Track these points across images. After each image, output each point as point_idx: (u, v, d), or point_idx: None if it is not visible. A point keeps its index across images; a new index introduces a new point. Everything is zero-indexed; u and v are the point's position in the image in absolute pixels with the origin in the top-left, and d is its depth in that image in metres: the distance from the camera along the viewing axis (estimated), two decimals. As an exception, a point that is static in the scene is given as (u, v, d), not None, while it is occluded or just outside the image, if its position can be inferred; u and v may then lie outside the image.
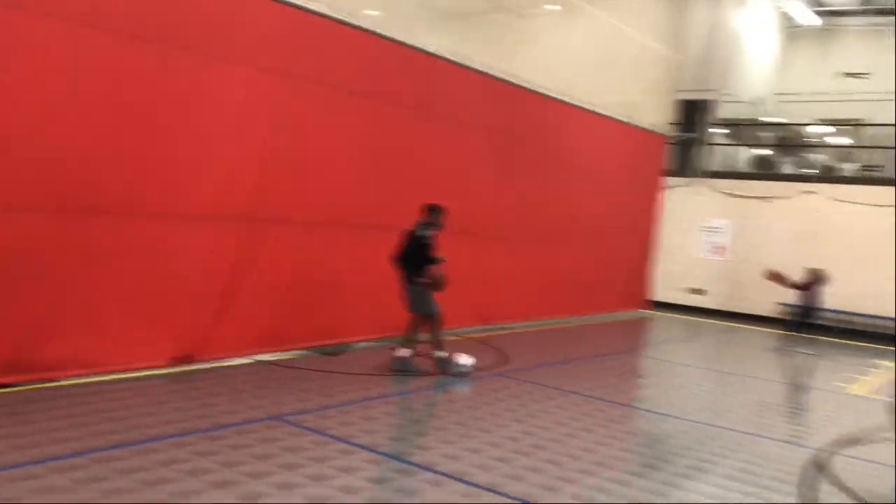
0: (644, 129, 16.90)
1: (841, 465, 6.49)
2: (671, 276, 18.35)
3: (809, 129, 21.24)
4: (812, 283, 13.04)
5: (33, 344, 6.51)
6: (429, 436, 6.42)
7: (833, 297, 16.56)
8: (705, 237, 18.43)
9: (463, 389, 8.11)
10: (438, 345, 8.43)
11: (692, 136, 19.31)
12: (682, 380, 10.42)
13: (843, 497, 5.64)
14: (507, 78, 12.13)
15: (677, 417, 7.75)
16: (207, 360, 7.85)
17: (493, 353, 10.13)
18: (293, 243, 8.78)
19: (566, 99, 13.71)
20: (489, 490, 5.05)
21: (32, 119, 6.37)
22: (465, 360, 8.44)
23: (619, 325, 15.08)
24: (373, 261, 8.92)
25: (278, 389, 7.24)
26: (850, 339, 15.74)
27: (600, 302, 15.47)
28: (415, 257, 8.16)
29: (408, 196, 9.30)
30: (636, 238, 17.10)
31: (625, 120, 15.94)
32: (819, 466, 6.35)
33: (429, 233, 8.22)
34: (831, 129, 21.03)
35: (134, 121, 7.07)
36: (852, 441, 7.32)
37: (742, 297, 17.62)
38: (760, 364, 12.22)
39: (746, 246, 17.62)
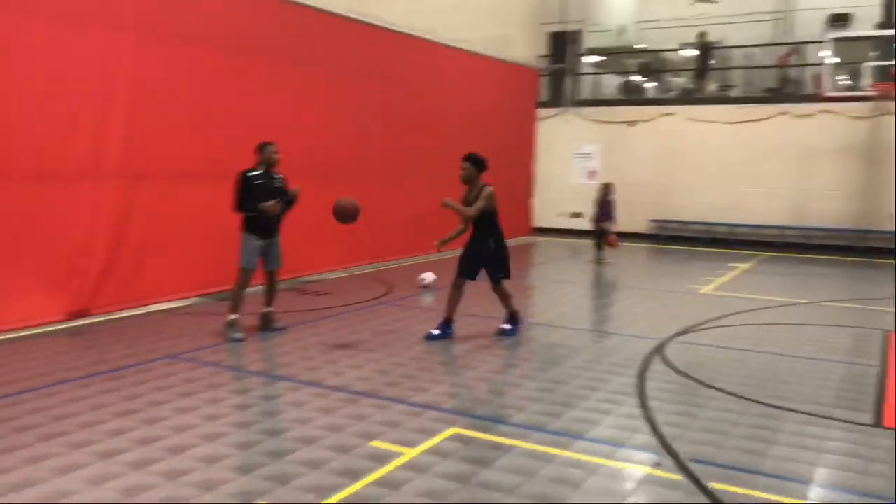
0: (515, 64, 17.71)
1: (674, 349, 7.59)
2: (551, 203, 19.50)
3: (670, 54, 22.56)
4: (602, 195, 14.19)
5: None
6: (314, 359, 7.08)
7: (693, 210, 18.23)
8: (578, 163, 19.56)
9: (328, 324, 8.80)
10: (232, 305, 7.51)
11: (562, 67, 20.24)
12: (557, 295, 11.46)
13: (669, 373, 6.71)
14: (370, 21, 12.54)
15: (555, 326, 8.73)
16: (102, 314, 8.22)
17: (376, 285, 10.85)
18: (172, 195, 9.09)
19: (433, 38, 14.22)
20: (339, 390, 5.82)
21: None
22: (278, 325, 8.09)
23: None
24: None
25: (174, 333, 7.73)
26: (711, 248, 17.32)
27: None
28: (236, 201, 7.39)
29: (298, 143, 9.89)
30: (516, 170, 18.04)
31: (496, 56, 16.65)
32: (657, 352, 7.43)
33: (247, 172, 7.45)
34: (691, 52, 22.41)
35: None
36: (688, 330, 8.49)
37: (620, 216, 18.94)
38: (631, 274, 13.46)
39: (615, 168, 18.86)
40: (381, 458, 4.61)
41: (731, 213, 17.75)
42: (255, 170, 7.52)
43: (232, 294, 7.53)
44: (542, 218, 19.47)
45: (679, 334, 8.28)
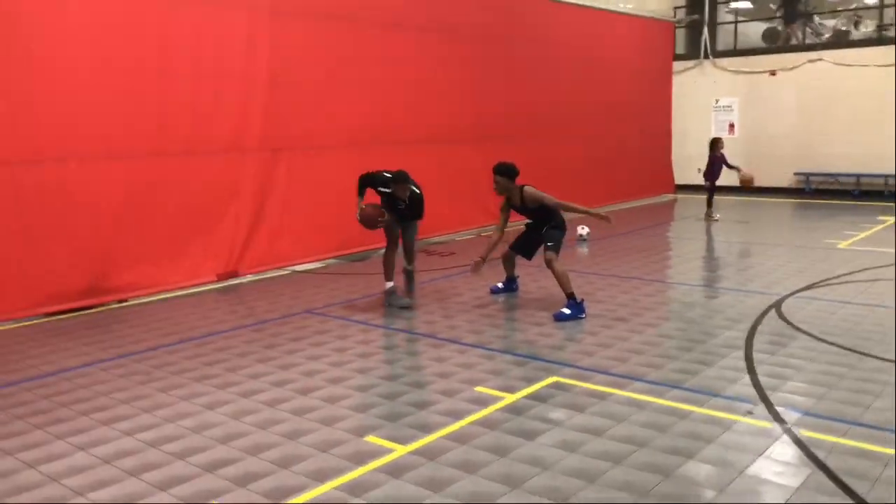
0: (648, 17, 17.32)
1: (795, 304, 7.47)
2: (689, 160, 18.95)
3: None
4: (712, 151, 13.72)
5: (106, 271, 7.84)
6: (433, 314, 7.58)
7: (843, 161, 17.19)
8: (717, 117, 18.89)
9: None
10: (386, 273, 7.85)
11: (698, 17, 19.48)
12: (685, 252, 11.38)
13: (783, 326, 6.67)
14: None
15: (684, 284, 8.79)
16: (250, 274, 9.14)
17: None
18: (306, 166, 9.86)
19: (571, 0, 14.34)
20: (477, 346, 6.25)
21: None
22: None
23: (644, 210, 15.97)
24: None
25: (310, 290, 8.50)
26: (862, 201, 16.32)
27: (629, 190, 16.48)
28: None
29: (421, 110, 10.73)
30: (654, 126, 17.79)
31: (626, 11, 16.39)
32: (775, 307, 7.35)
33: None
34: None
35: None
36: (815, 285, 8.28)
37: (758, 171, 18.20)
38: (770, 227, 13.04)
39: (756, 120, 18.07)
40: (484, 401, 5.03)
41: (885, 163, 16.58)
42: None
43: (383, 262, 7.80)
44: (680, 175, 19.00)
45: (805, 289, 8.10)
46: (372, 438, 4.47)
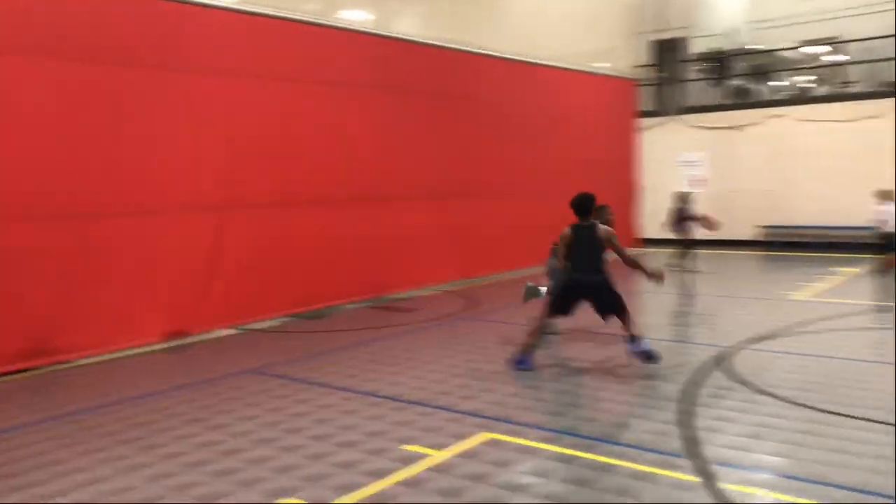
0: (611, 76, 17.69)
1: (737, 356, 7.45)
2: (658, 213, 19.13)
3: (786, 53, 21.65)
4: (679, 205, 14.01)
5: (48, 333, 7.74)
6: (377, 371, 7.50)
7: (806, 214, 17.41)
8: (685, 171, 19.14)
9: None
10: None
11: (664, 75, 19.93)
12: (654, 304, 11.41)
13: (724, 378, 6.63)
14: (470, 49, 13.18)
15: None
16: (199, 333, 9.05)
17: (459, 300, 11.21)
18: (259, 223, 9.88)
19: (525, 59, 14.59)
20: (417, 404, 6.17)
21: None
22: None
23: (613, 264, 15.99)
24: (338, 230, 10.13)
25: (258, 349, 8.41)
26: (827, 252, 16.46)
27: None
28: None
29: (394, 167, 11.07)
30: (618, 181, 17.96)
31: (589, 70, 16.74)
32: (718, 360, 7.33)
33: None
34: (819, 49, 21.37)
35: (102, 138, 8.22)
36: (764, 337, 8.27)
37: (727, 224, 18.38)
38: (729, 279, 13.09)
39: (722, 175, 18.33)
40: (411, 459, 4.94)
41: (849, 215, 16.78)
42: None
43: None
44: (649, 229, 19.13)
45: (753, 340, 8.10)
46: (286, 501, 4.36)
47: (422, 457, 4.98)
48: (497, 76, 13.96)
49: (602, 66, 17.43)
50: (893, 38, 18.07)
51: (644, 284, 14.33)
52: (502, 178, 13.90)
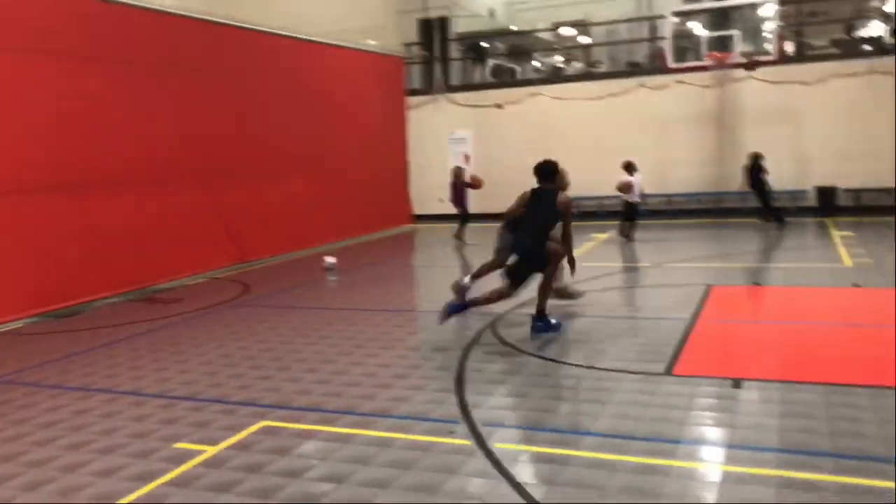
0: (377, 53, 17.77)
1: (509, 322, 7.86)
2: (431, 189, 19.67)
3: (541, 34, 23.08)
4: (454, 179, 15.11)
5: None
6: (142, 368, 7.00)
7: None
8: (453, 149, 19.82)
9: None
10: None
11: (430, 54, 20.42)
12: (430, 278, 11.68)
13: (496, 345, 6.96)
14: (234, 23, 12.56)
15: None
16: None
17: (233, 287, 10.79)
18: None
19: (290, 34, 14.22)
20: (186, 399, 5.83)
21: None
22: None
23: (382, 241, 16.19)
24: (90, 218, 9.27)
25: (2, 356, 7.52)
26: (583, 222, 17.83)
27: (365, 223, 16.47)
28: None
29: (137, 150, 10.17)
30: (389, 159, 18.16)
31: (355, 46, 16.69)
32: (490, 326, 7.67)
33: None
34: (569, 31, 22.96)
35: None
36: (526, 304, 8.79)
37: (492, 199, 19.27)
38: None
39: (489, 151, 19.21)
40: (181, 458, 4.64)
41: (601, 186, 18.30)
42: None
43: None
44: (422, 205, 19.62)
45: (520, 306, 8.56)
46: (34, 520, 3.92)
47: (193, 454, 4.70)
48: (263, 52, 13.48)
49: (371, 43, 17.47)
50: (635, 23, 19.97)
51: (419, 257, 14.89)
52: (272, 157, 13.48)
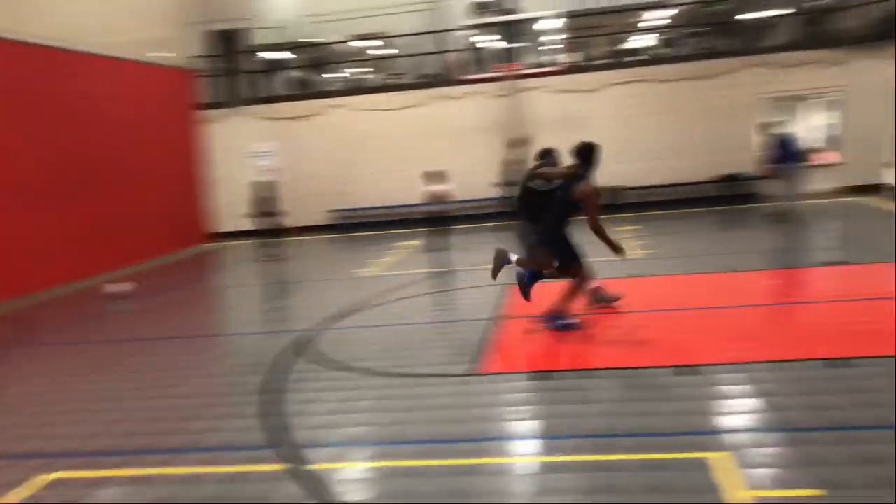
0: (164, 66, 16.78)
1: (328, 338, 7.68)
2: (232, 205, 18.87)
3: (341, 45, 22.98)
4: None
5: None
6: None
7: (371, 196, 18.84)
8: (255, 162, 19.21)
9: None
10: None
11: (225, 66, 19.69)
12: (221, 301, 11.14)
13: (306, 361, 6.77)
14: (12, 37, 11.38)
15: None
16: None
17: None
18: None
19: (77, 48, 13.10)
20: None
21: None
22: None
23: (179, 264, 15.33)
24: None
25: None
26: (390, 230, 17.97)
27: (157, 245, 15.39)
28: None
29: None
30: (179, 177, 17.20)
31: (147, 61, 15.71)
32: (300, 344, 7.45)
33: None
34: (369, 43, 22.99)
35: None
36: (342, 315, 8.67)
37: (300, 211, 18.88)
38: (304, 264, 13.49)
39: (293, 163, 18.83)
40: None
41: (405, 194, 18.49)
42: None
43: None
44: (224, 222, 18.81)
45: (330, 320, 8.41)
46: None
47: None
48: (38, 65, 12.24)
49: (157, 55, 16.48)
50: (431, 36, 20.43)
51: (218, 278, 14.19)
52: (47, 177, 12.20)
